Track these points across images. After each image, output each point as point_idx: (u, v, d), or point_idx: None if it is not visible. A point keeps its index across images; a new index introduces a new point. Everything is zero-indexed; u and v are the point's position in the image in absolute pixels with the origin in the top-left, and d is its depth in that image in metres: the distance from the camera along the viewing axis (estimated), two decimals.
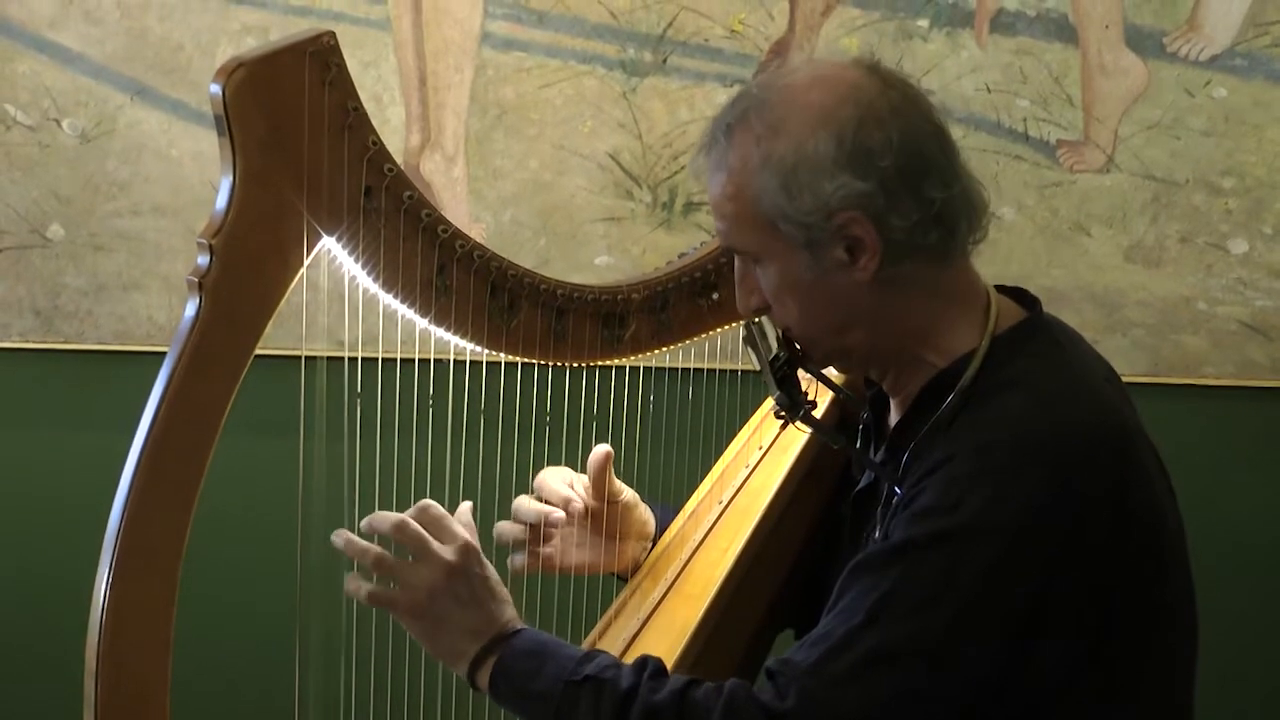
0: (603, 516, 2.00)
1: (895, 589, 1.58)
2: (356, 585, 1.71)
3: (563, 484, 1.98)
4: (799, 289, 1.70)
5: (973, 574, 1.57)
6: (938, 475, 1.62)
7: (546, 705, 1.66)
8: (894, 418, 1.79)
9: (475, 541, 1.74)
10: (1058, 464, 1.59)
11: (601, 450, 1.97)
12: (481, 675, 1.71)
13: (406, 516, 1.72)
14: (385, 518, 1.72)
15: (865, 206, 1.64)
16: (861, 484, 1.85)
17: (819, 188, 1.64)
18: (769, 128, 1.67)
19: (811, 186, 1.64)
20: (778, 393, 1.77)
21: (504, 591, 1.75)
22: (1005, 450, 1.60)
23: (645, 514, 2.05)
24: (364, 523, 1.73)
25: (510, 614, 1.74)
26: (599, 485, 1.98)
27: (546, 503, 1.97)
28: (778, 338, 1.79)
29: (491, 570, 1.75)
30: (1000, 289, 1.77)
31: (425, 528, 1.72)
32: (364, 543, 1.71)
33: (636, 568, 2.03)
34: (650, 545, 2.05)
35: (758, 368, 1.79)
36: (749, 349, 1.81)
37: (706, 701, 1.60)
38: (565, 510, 1.96)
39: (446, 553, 1.71)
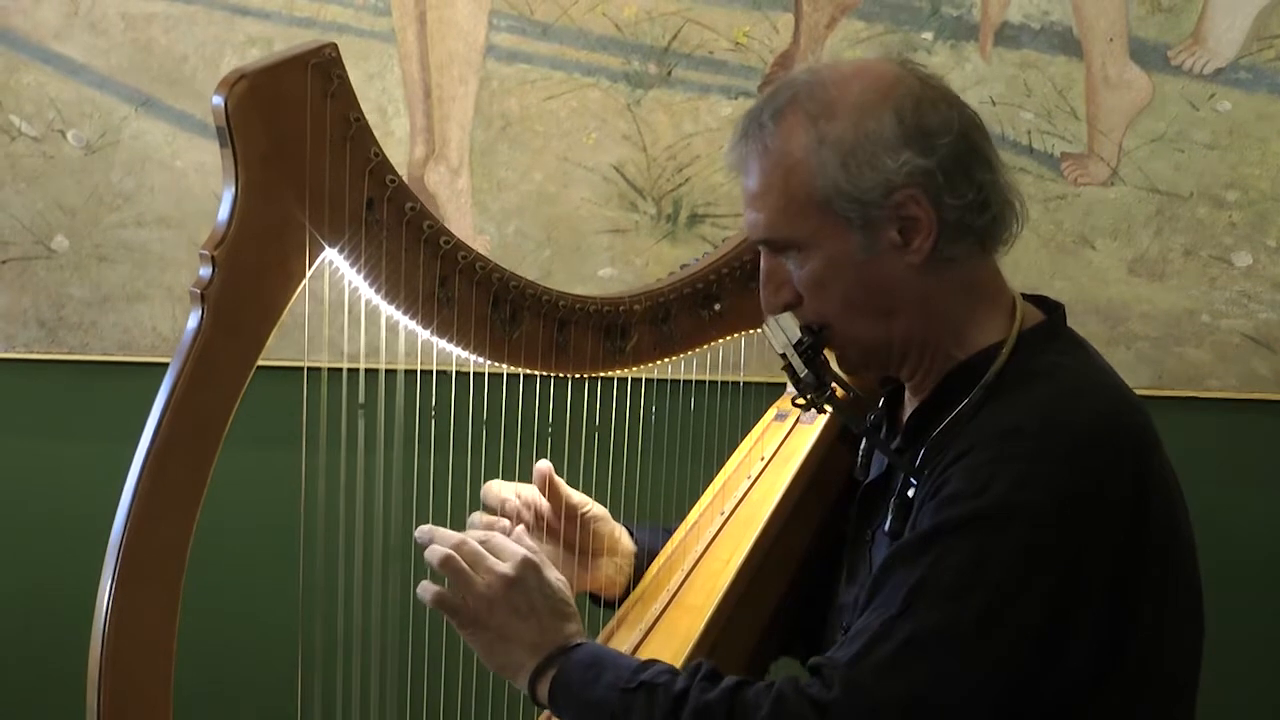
0: (572, 533, 1.98)
1: (928, 576, 1.59)
2: (426, 588, 1.73)
3: (505, 487, 1.96)
4: (846, 273, 1.70)
5: (1003, 557, 1.58)
6: (964, 462, 1.63)
7: (603, 712, 1.67)
8: (909, 409, 1.80)
9: (535, 557, 1.75)
10: (1082, 451, 1.61)
11: (541, 466, 1.96)
12: (541, 688, 1.72)
13: (465, 535, 1.74)
14: (446, 535, 1.74)
15: (925, 185, 1.67)
16: (872, 476, 1.85)
17: (881, 164, 1.66)
18: (825, 108, 1.69)
19: (873, 163, 1.66)
20: (805, 372, 1.75)
21: (566, 606, 1.75)
22: (1031, 435, 1.62)
23: (617, 531, 2.03)
24: (421, 532, 1.74)
25: (572, 629, 1.74)
26: (550, 500, 1.97)
27: (491, 510, 1.94)
28: (801, 327, 1.75)
29: (554, 586, 1.75)
30: (1023, 296, 1.79)
31: (483, 547, 1.74)
32: (446, 533, 1.73)
33: (613, 586, 2.02)
34: (636, 563, 2.03)
35: (778, 351, 1.76)
36: (767, 332, 1.77)
37: (757, 699, 1.62)
38: (503, 511, 1.93)
39: (504, 566, 1.73)
